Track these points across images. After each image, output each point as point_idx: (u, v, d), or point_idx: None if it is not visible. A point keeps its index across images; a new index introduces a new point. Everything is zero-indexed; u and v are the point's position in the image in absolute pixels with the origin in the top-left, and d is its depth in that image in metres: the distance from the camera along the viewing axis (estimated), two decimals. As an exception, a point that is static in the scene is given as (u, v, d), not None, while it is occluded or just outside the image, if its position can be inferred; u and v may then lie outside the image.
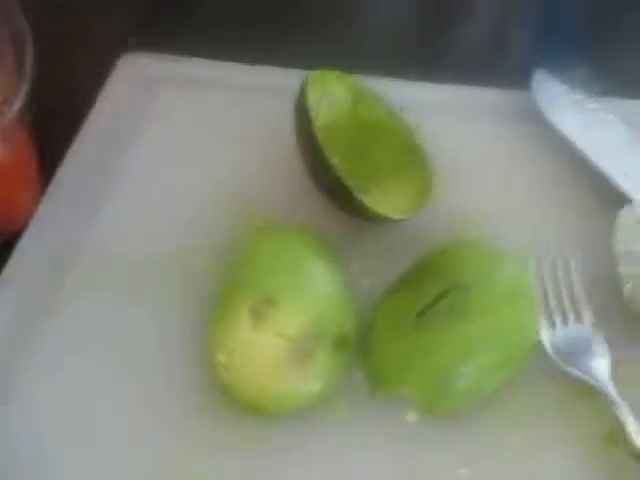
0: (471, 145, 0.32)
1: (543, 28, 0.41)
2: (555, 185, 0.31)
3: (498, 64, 0.37)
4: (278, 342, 0.22)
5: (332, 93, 0.30)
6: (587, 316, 0.25)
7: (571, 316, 0.25)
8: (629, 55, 0.38)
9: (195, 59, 0.36)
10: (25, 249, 0.28)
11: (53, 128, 0.32)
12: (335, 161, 0.26)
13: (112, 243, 0.28)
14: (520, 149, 0.32)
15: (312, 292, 0.23)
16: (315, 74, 0.29)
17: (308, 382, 0.22)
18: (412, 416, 0.23)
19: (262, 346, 0.22)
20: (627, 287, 0.25)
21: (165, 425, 0.23)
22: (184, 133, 0.33)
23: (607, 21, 0.41)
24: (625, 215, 0.26)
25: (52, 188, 0.30)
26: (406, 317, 0.23)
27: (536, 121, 0.33)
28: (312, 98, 0.28)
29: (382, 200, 0.27)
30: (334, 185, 0.26)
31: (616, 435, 0.22)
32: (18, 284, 0.27)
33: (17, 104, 0.26)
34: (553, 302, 0.25)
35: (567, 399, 0.24)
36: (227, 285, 0.24)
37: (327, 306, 0.23)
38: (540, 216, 0.29)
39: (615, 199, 0.29)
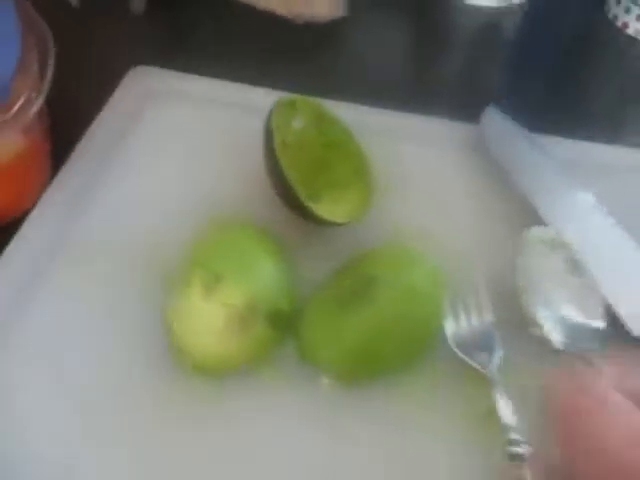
0: (416, 167, 0.37)
1: (501, 69, 0.47)
2: (484, 206, 0.36)
3: (453, 98, 0.43)
4: (222, 310, 0.27)
5: (299, 115, 0.35)
6: (488, 316, 0.30)
7: (474, 315, 0.30)
8: (573, 98, 0.44)
9: (193, 76, 0.41)
10: (30, 226, 0.34)
11: (66, 126, 0.37)
12: (289, 172, 0.31)
13: (99, 232, 0.34)
14: (460, 174, 0.37)
15: (254, 273, 0.28)
16: (284, 98, 0.34)
17: (245, 347, 0.27)
18: (326, 382, 0.28)
19: (209, 313, 0.27)
20: (523, 297, 0.30)
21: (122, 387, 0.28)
22: (173, 141, 0.38)
23: (559, 67, 0.47)
24: (531, 235, 0.31)
25: (59, 178, 0.36)
26: (330, 303, 0.28)
27: (480, 151, 0.38)
28: (278, 119, 0.33)
29: (331, 208, 0.33)
30: (287, 192, 0.31)
31: (493, 412, 0.27)
32: (20, 259, 0.32)
33: (38, 103, 0.32)
34: (460, 301, 0.30)
35: (460, 382, 0.28)
36: (185, 265, 0.29)
37: (266, 286, 0.28)
38: (464, 231, 0.34)
39: (535, 222, 0.34)
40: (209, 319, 0.27)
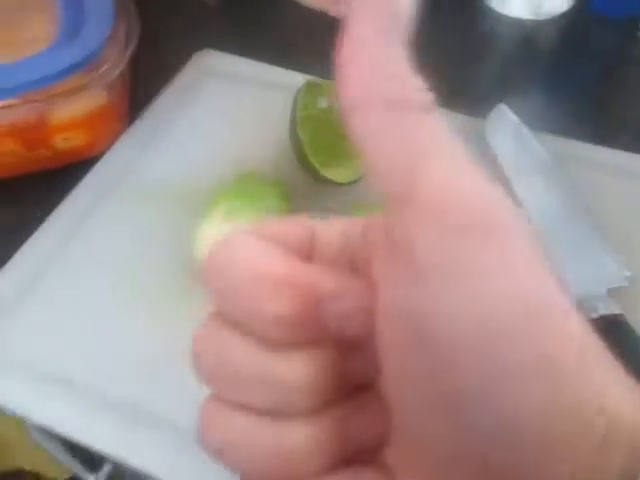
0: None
1: (523, 76, 0.52)
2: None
3: (472, 96, 0.48)
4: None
5: (324, 96, 0.42)
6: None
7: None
8: (577, 102, 0.48)
9: (246, 59, 0.50)
10: (104, 162, 0.43)
11: (141, 90, 0.47)
12: (304, 137, 0.38)
13: (155, 174, 0.42)
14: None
15: (265, 209, 0.35)
16: (314, 80, 0.41)
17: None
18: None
19: (223, 234, 0.35)
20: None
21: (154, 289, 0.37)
22: (223, 111, 0.46)
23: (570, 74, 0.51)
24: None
25: (130, 129, 0.45)
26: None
27: (479, 141, 0.43)
28: (307, 96, 0.41)
29: (336, 172, 0.39)
30: (301, 154, 0.39)
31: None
32: (93, 185, 0.42)
33: (120, 67, 0.41)
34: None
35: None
36: (213, 200, 0.37)
37: (269, 218, 0.35)
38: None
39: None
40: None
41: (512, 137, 0.44)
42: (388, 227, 0.13)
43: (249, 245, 0.15)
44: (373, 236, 0.15)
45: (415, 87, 0.14)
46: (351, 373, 0.15)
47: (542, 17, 0.55)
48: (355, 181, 0.39)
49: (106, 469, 0.46)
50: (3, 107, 0.37)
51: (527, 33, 0.55)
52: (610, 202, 0.40)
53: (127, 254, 0.38)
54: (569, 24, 0.55)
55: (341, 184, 0.38)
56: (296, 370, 0.14)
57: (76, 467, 0.54)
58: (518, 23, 0.55)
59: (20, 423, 0.64)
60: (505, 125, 0.44)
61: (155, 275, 0.37)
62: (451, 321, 0.12)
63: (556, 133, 0.45)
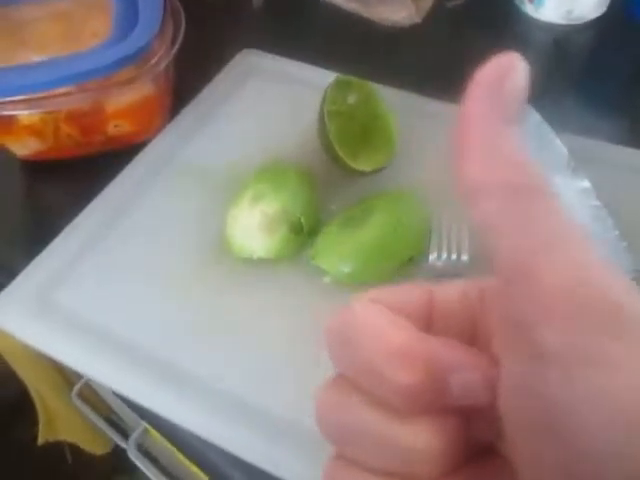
0: (437, 144, 0.45)
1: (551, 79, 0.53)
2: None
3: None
4: (259, 215, 0.37)
5: (353, 92, 0.45)
6: (464, 257, 0.37)
7: (454, 254, 0.38)
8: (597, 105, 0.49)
9: (286, 59, 0.53)
10: (150, 148, 0.47)
11: (187, 84, 0.50)
12: (331, 130, 0.41)
13: (195, 160, 0.46)
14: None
15: (287, 195, 0.38)
16: (343, 77, 0.44)
17: (271, 244, 0.37)
18: (327, 279, 0.37)
19: (251, 215, 0.38)
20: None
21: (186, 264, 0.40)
22: (261, 107, 0.49)
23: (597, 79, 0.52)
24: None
25: (175, 120, 0.49)
26: (338, 223, 0.38)
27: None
28: (336, 93, 0.43)
29: (362, 161, 0.42)
30: (329, 145, 0.41)
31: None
32: (140, 169, 0.46)
33: (167, 61, 0.45)
34: (444, 239, 0.38)
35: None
36: (243, 185, 0.40)
37: (295, 205, 0.38)
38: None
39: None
40: (249, 220, 0.38)
41: (534, 136, 0.45)
42: (506, 303, 0.14)
43: (373, 314, 0.15)
44: (490, 303, 0.16)
45: (535, 173, 0.14)
46: (473, 437, 0.15)
47: (574, 22, 0.56)
48: (378, 170, 0.41)
49: (135, 435, 0.50)
50: (62, 95, 0.41)
51: (559, 38, 0.56)
52: (631, 203, 0.41)
53: (168, 229, 0.42)
54: (601, 30, 0.56)
55: (364, 173, 0.41)
56: (423, 439, 0.14)
57: (111, 433, 0.58)
58: (551, 28, 0.57)
59: (64, 394, 0.69)
60: (528, 124, 0.46)
61: (189, 252, 0.40)
62: (584, 411, 0.12)
63: (581, 134, 0.46)
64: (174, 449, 0.40)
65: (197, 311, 0.37)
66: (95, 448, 0.83)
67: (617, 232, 0.39)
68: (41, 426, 0.79)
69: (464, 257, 0.37)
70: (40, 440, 0.80)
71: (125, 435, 0.60)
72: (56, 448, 0.82)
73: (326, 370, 0.33)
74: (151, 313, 0.37)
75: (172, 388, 0.34)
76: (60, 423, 0.80)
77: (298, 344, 0.35)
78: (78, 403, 0.61)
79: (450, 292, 0.17)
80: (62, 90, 0.41)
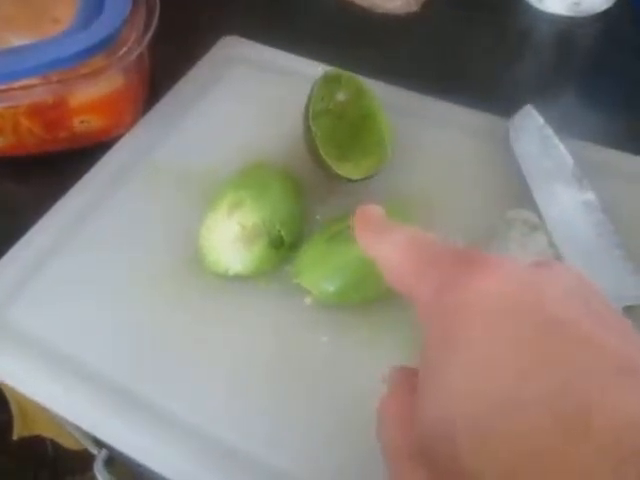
0: (433, 146, 0.41)
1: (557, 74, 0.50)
2: (489, 190, 0.40)
3: (501, 93, 0.46)
4: (237, 227, 0.34)
5: (343, 89, 0.41)
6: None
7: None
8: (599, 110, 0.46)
9: (268, 48, 0.49)
10: (120, 145, 0.43)
11: (162, 75, 0.46)
12: (317, 132, 0.37)
13: (168, 159, 0.42)
14: (475, 159, 0.41)
15: (268, 205, 0.35)
16: (332, 72, 0.40)
17: (248, 259, 0.34)
18: (308, 300, 0.34)
19: (227, 227, 0.34)
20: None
21: (151, 287, 0.37)
22: (240, 100, 0.46)
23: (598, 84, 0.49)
24: (514, 214, 0.35)
25: (149, 114, 0.45)
26: (323, 238, 0.34)
27: (504, 143, 0.42)
28: (324, 89, 0.40)
29: (350, 168, 0.38)
30: (314, 149, 0.38)
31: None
32: (110, 167, 0.42)
33: (138, 51, 0.41)
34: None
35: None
36: (220, 191, 0.36)
37: (276, 215, 0.35)
38: (462, 205, 0.39)
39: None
40: (225, 233, 0.34)
41: (536, 140, 0.42)
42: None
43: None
44: None
45: None
46: None
47: (581, 14, 0.52)
48: (367, 178, 0.38)
49: (101, 455, 0.47)
50: (22, 87, 0.37)
51: (565, 30, 0.53)
52: (634, 211, 0.38)
53: (136, 237, 0.38)
54: (607, 24, 0.52)
55: (352, 180, 0.38)
56: None
57: (84, 440, 0.55)
58: (556, 20, 0.53)
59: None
60: (530, 127, 0.43)
61: (160, 259, 0.37)
62: None
63: (586, 138, 0.43)
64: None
65: (161, 333, 0.34)
66: (71, 444, 0.80)
67: (621, 251, 0.36)
68: (15, 422, 0.76)
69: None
70: (15, 436, 0.78)
71: (98, 441, 0.57)
72: (37, 437, 0.80)
73: (300, 403, 0.29)
74: (112, 333, 0.34)
75: (127, 417, 0.31)
76: (35, 420, 0.77)
77: (273, 371, 0.32)
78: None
79: None
80: (23, 83, 0.37)
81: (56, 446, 0.89)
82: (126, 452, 0.30)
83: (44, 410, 0.71)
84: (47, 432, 0.79)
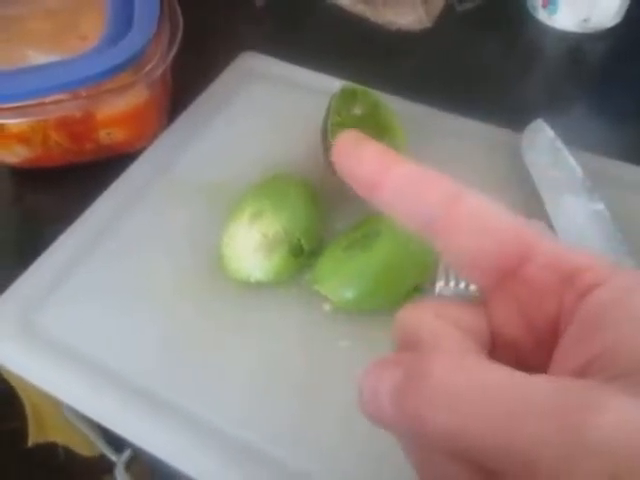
0: (447, 158, 0.42)
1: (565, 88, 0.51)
2: (500, 200, 0.41)
3: (511, 107, 0.48)
4: (258, 236, 0.35)
5: (359, 103, 0.43)
6: (473, 287, 0.35)
7: (463, 282, 0.36)
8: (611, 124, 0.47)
9: (287, 64, 0.50)
10: (144, 158, 0.45)
11: (183, 89, 0.48)
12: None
13: (190, 172, 0.44)
14: (489, 171, 0.43)
15: (288, 215, 0.36)
16: (348, 87, 0.42)
17: (269, 267, 0.35)
18: (327, 306, 0.35)
19: (248, 237, 0.36)
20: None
21: (179, 285, 0.38)
22: (260, 114, 0.47)
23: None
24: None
25: (171, 127, 0.47)
26: (341, 245, 0.36)
27: (516, 157, 0.43)
28: (340, 103, 0.41)
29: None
30: (332, 160, 0.39)
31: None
32: (134, 178, 0.43)
33: (163, 67, 0.42)
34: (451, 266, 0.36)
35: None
36: (241, 202, 0.38)
37: (296, 224, 0.36)
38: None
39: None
40: (247, 241, 0.36)
41: (547, 153, 0.43)
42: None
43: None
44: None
45: None
46: None
47: (590, 31, 0.54)
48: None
49: (128, 451, 0.48)
50: (52, 102, 0.39)
51: (574, 46, 0.54)
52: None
53: (159, 246, 0.39)
54: (616, 39, 0.54)
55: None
56: None
57: (102, 446, 0.56)
58: (566, 36, 0.54)
59: (55, 402, 0.68)
60: (541, 140, 0.44)
61: (184, 267, 0.38)
62: None
63: (597, 151, 0.44)
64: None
65: (186, 338, 0.35)
66: (85, 451, 0.81)
67: (632, 261, 0.37)
68: (30, 428, 0.78)
69: (472, 286, 0.35)
70: (30, 443, 0.79)
71: (117, 447, 0.58)
72: (49, 443, 0.81)
73: (318, 405, 0.30)
74: (137, 338, 0.35)
75: (155, 419, 0.32)
76: (50, 427, 0.78)
77: (293, 375, 0.33)
78: (68, 413, 0.59)
79: None
80: (53, 98, 0.39)
81: (68, 454, 0.91)
82: (152, 452, 0.31)
83: (59, 416, 0.72)
84: (61, 438, 0.81)
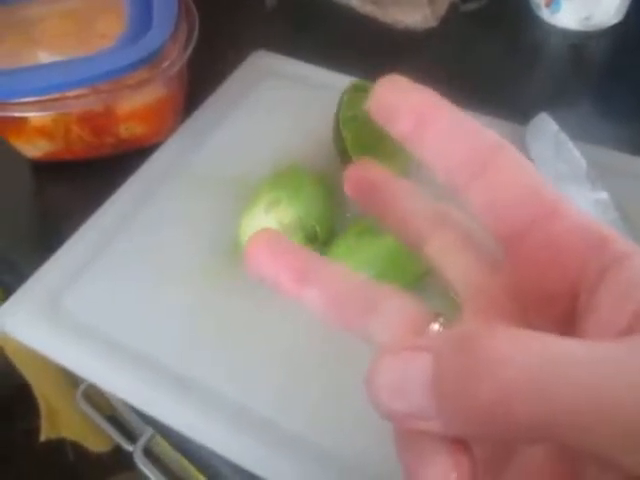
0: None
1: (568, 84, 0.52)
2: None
3: (515, 102, 0.49)
4: (274, 224, 0.37)
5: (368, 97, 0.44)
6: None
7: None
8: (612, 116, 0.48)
9: (299, 61, 0.52)
10: (162, 151, 0.46)
11: (199, 86, 0.50)
12: (347, 136, 0.40)
13: (206, 165, 0.45)
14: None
15: (303, 203, 0.37)
16: (359, 82, 0.44)
17: (286, 253, 0.37)
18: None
19: (265, 224, 0.37)
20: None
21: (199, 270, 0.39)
22: (273, 110, 0.49)
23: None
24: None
25: (186, 123, 0.48)
26: (353, 232, 0.37)
27: (519, 148, 0.44)
28: (352, 98, 0.43)
29: (377, 170, 0.41)
30: (345, 153, 0.41)
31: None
32: (152, 172, 0.45)
33: (179, 65, 0.44)
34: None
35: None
36: (257, 192, 0.39)
37: (310, 214, 0.37)
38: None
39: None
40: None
41: (551, 145, 0.45)
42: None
43: None
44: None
45: None
46: None
47: (592, 29, 0.55)
48: (393, 179, 0.41)
49: (143, 440, 0.49)
50: (74, 97, 0.41)
51: (576, 44, 0.56)
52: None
53: (177, 238, 0.41)
54: (618, 37, 0.55)
55: (379, 182, 0.40)
56: None
57: (117, 436, 0.58)
58: (568, 34, 0.56)
59: (69, 394, 0.69)
60: (545, 133, 0.45)
61: (201, 259, 0.40)
62: None
63: (598, 143, 0.45)
64: (180, 456, 0.40)
65: (208, 319, 0.37)
66: (97, 446, 0.82)
67: (636, 247, 0.38)
68: (43, 423, 0.79)
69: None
70: (42, 438, 0.80)
71: (130, 437, 0.59)
72: (58, 442, 0.82)
73: (332, 384, 0.32)
74: (161, 320, 0.37)
75: (180, 396, 0.34)
76: (62, 421, 0.79)
77: (308, 356, 0.35)
78: (83, 404, 0.61)
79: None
80: (75, 92, 0.41)
81: (77, 453, 0.92)
82: (177, 428, 0.33)
83: (73, 410, 0.73)
84: (74, 434, 0.82)
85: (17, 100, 0.40)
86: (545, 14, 0.57)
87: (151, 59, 0.41)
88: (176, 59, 0.43)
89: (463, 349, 0.12)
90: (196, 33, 0.45)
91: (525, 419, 0.12)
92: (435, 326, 0.17)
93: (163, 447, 0.48)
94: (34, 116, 0.41)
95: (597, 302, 0.15)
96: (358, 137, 0.42)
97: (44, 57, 0.44)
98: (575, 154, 0.44)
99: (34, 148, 0.45)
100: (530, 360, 0.12)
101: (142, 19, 0.43)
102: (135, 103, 0.43)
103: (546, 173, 0.43)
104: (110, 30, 0.44)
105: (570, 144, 0.44)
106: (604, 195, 0.41)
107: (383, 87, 0.17)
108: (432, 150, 0.17)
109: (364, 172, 0.20)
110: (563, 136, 0.45)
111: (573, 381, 0.11)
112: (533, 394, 0.11)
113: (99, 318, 0.37)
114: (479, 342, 0.12)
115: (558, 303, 0.16)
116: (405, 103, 0.17)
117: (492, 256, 0.18)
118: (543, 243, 0.16)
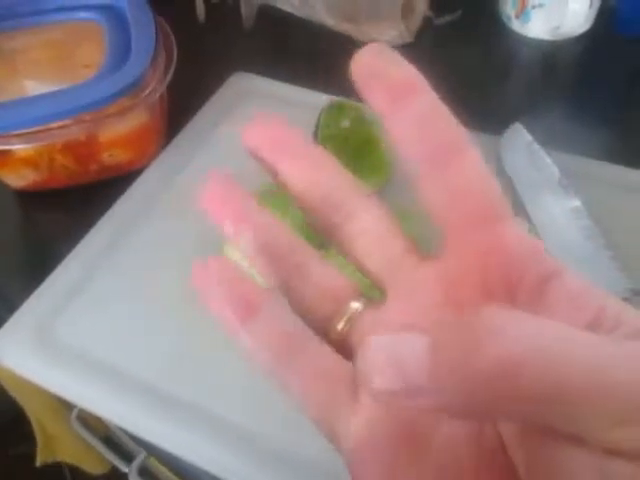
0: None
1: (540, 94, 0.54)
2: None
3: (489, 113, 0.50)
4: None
5: (346, 116, 0.45)
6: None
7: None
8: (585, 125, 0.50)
9: (277, 82, 0.53)
10: (145, 176, 0.47)
11: (179, 110, 0.51)
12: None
13: (189, 186, 0.46)
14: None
15: (290, 220, 0.38)
16: (335, 101, 0.45)
17: (270, 272, 0.38)
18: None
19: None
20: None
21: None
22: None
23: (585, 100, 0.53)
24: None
25: (168, 147, 0.49)
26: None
27: (494, 158, 0.46)
28: (329, 117, 0.44)
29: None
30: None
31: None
32: (137, 195, 0.46)
33: (160, 90, 0.45)
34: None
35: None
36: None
37: (296, 231, 0.38)
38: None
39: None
40: (248, 249, 0.38)
41: (525, 155, 0.46)
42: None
43: None
44: None
45: None
46: None
47: (561, 38, 0.57)
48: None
49: (138, 461, 0.50)
50: (58, 128, 0.42)
51: (547, 53, 0.57)
52: (622, 219, 0.42)
53: (166, 257, 0.42)
54: (588, 45, 0.57)
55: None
56: None
57: (112, 458, 0.58)
58: (539, 44, 0.57)
59: (63, 418, 0.69)
60: (519, 143, 0.47)
61: (188, 281, 0.40)
62: None
63: (570, 151, 0.46)
64: (174, 477, 0.40)
65: (197, 342, 0.37)
66: (94, 468, 0.82)
67: (609, 252, 0.39)
68: (39, 449, 0.79)
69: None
70: (38, 462, 0.80)
71: (126, 458, 0.60)
72: (55, 466, 0.82)
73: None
74: (150, 344, 0.38)
75: (172, 419, 0.34)
76: (58, 445, 0.79)
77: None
78: (77, 427, 0.61)
79: None
80: (58, 123, 0.41)
81: (74, 475, 0.92)
82: (168, 450, 0.34)
83: (67, 433, 0.74)
84: (70, 457, 0.82)
85: (2, 133, 0.41)
86: (516, 25, 0.58)
87: (132, 88, 0.42)
88: (156, 86, 0.44)
89: (461, 323, 0.12)
90: (175, 60, 0.46)
91: (531, 388, 0.11)
92: (355, 304, 0.18)
93: (158, 467, 0.48)
94: (19, 148, 0.42)
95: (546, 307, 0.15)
96: (337, 154, 0.43)
97: (30, 86, 0.45)
98: (548, 163, 0.45)
99: (19, 178, 0.46)
100: (535, 332, 0.12)
101: (121, 48, 0.44)
102: (118, 130, 0.44)
103: (520, 182, 0.44)
104: (91, 58, 0.45)
105: (543, 153, 0.45)
106: (577, 202, 0.42)
107: (368, 52, 0.17)
108: (402, 131, 0.17)
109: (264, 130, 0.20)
110: (536, 146, 0.46)
111: (580, 353, 0.12)
112: (542, 362, 0.11)
113: (88, 344, 0.38)
114: (478, 316, 0.12)
115: (493, 298, 0.16)
116: (387, 75, 0.17)
117: (418, 246, 0.19)
118: (489, 242, 0.17)
